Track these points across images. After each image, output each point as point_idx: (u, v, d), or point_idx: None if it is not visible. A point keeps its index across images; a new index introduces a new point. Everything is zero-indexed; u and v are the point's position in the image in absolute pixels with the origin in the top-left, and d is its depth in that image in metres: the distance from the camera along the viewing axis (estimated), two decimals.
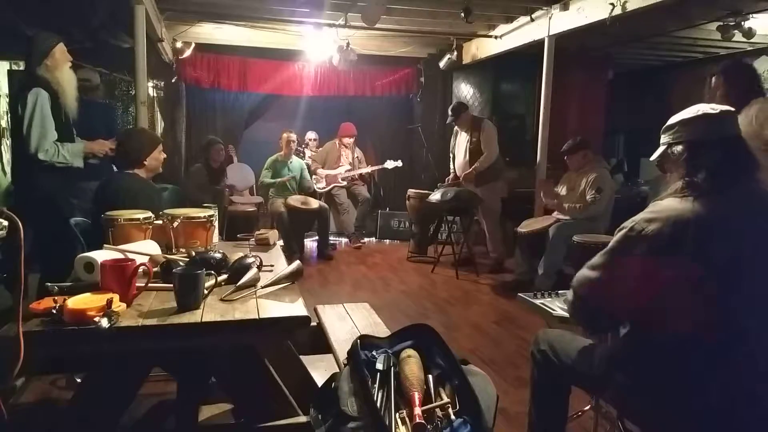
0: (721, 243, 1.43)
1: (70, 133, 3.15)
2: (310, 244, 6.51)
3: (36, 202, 3.01)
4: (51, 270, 2.54)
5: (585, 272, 1.63)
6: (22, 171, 3.16)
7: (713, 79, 2.92)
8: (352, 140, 6.85)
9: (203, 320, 1.64)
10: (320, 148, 7.11)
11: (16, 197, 3.22)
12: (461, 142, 5.62)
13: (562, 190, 4.70)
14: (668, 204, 1.51)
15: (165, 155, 3.01)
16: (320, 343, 2.50)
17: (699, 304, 1.44)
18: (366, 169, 6.88)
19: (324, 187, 6.75)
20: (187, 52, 6.29)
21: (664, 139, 1.62)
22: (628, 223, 1.54)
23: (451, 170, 5.83)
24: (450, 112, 5.55)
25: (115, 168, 3.61)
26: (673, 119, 1.61)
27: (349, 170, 6.78)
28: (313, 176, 6.76)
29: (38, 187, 3.02)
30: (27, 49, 3.08)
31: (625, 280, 1.51)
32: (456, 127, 5.68)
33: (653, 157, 1.67)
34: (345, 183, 6.77)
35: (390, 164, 6.75)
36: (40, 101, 2.96)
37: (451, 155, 5.88)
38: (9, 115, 5.37)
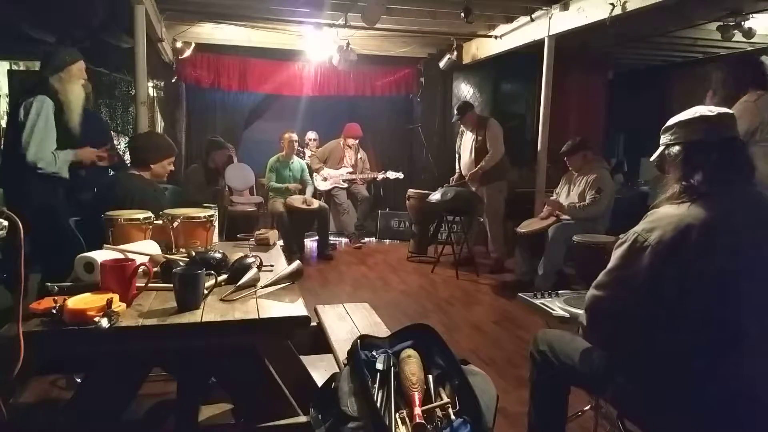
0: (720, 245, 1.43)
1: (69, 146, 3.12)
2: (310, 244, 6.51)
3: (27, 205, 2.96)
4: (52, 271, 2.53)
5: (594, 293, 1.61)
6: (12, 174, 3.08)
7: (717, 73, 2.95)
8: (356, 142, 6.85)
9: (203, 320, 1.64)
10: (323, 147, 7.06)
11: (7, 201, 3.16)
12: (467, 142, 5.62)
13: (562, 190, 4.69)
14: (666, 211, 1.52)
15: (173, 168, 3.02)
16: (320, 343, 2.50)
17: (699, 305, 1.44)
18: (368, 175, 6.87)
19: (326, 186, 6.74)
20: (187, 52, 6.29)
21: (663, 139, 1.63)
22: (630, 236, 1.54)
23: (457, 170, 5.83)
24: (456, 111, 5.56)
25: (111, 171, 3.59)
26: (672, 120, 1.62)
27: (351, 172, 6.78)
28: (316, 175, 6.74)
29: (28, 192, 2.98)
30: (45, 56, 3.08)
31: (634, 292, 1.51)
32: (461, 127, 5.68)
33: (652, 158, 1.68)
34: (346, 185, 6.77)
35: (392, 174, 6.74)
36: (45, 109, 2.94)
37: (457, 155, 5.88)
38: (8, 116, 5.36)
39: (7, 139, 3.18)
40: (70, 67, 3.07)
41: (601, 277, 1.60)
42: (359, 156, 6.90)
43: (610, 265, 1.58)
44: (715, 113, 1.55)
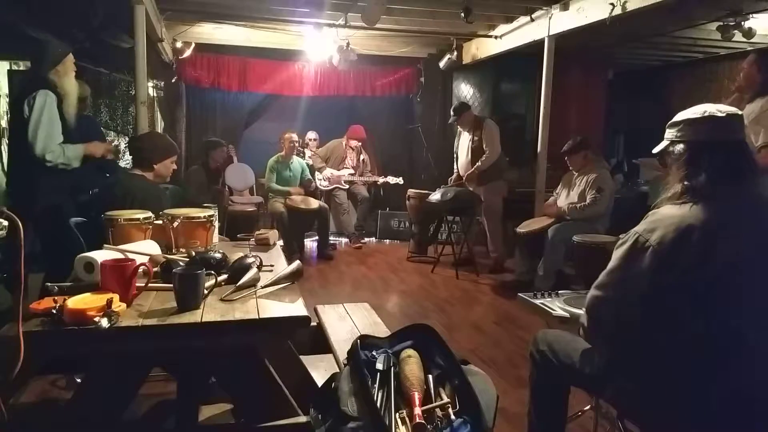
0: (722, 246, 1.42)
1: (69, 139, 3.15)
2: (310, 244, 6.51)
3: (35, 203, 3.00)
4: (53, 270, 2.53)
5: (595, 293, 1.60)
6: (21, 172, 3.14)
7: (745, 64, 2.93)
8: (359, 144, 6.87)
9: (203, 320, 1.64)
10: (325, 145, 7.05)
11: (14, 198, 3.19)
12: (463, 142, 5.62)
13: (562, 191, 4.69)
14: (667, 211, 1.51)
15: (176, 167, 3.04)
16: (320, 343, 2.50)
17: (700, 306, 1.44)
18: (369, 178, 6.87)
19: (327, 186, 6.75)
20: (187, 52, 6.29)
21: (668, 134, 1.61)
22: (630, 236, 1.53)
23: (455, 171, 5.84)
24: (452, 112, 5.56)
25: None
26: (680, 116, 1.59)
27: (352, 174, 6.79)
28: (317, 173, 6.74)
29: (38, 189, 3.02)
30: (37, 52, 3.14)
31: (634, 293, 1.50)
32: (458, 127, 5.68)
33: (655, 150, 1.66)
34: (347, 186, 6.78)
35: (392, 180, 6.76)
36: (49, 103, 2.99)
37: (454, 156, 5.88)
38: (9, 116, 5.37)
39: (13, 138, 3.21)
40: (65, 59, 3.13)
41: (602, 277, 1.60)
42: (362, 158, 6.92)
43: (610, 266, 1.57)
44: (724, 114, 1.52)
